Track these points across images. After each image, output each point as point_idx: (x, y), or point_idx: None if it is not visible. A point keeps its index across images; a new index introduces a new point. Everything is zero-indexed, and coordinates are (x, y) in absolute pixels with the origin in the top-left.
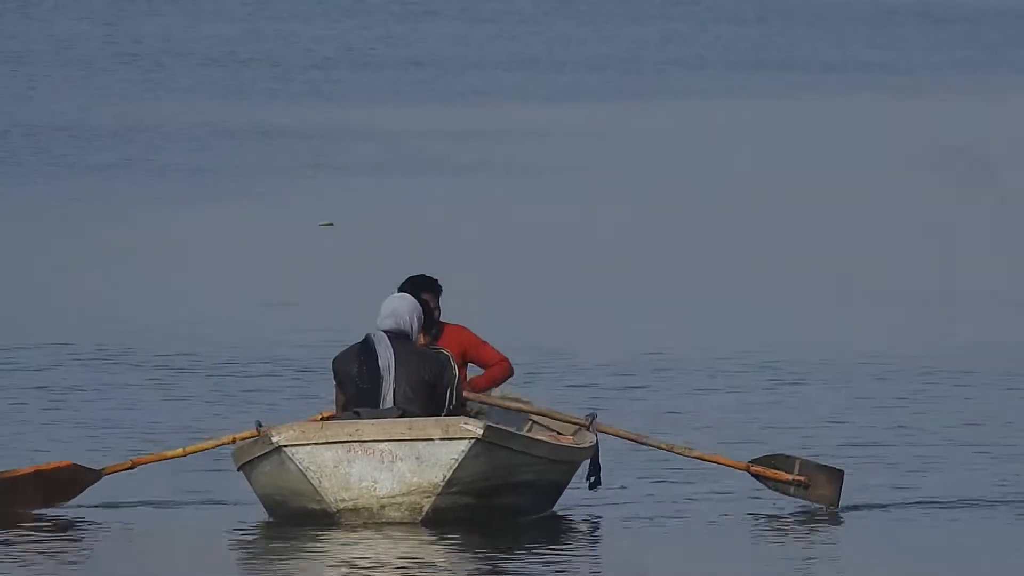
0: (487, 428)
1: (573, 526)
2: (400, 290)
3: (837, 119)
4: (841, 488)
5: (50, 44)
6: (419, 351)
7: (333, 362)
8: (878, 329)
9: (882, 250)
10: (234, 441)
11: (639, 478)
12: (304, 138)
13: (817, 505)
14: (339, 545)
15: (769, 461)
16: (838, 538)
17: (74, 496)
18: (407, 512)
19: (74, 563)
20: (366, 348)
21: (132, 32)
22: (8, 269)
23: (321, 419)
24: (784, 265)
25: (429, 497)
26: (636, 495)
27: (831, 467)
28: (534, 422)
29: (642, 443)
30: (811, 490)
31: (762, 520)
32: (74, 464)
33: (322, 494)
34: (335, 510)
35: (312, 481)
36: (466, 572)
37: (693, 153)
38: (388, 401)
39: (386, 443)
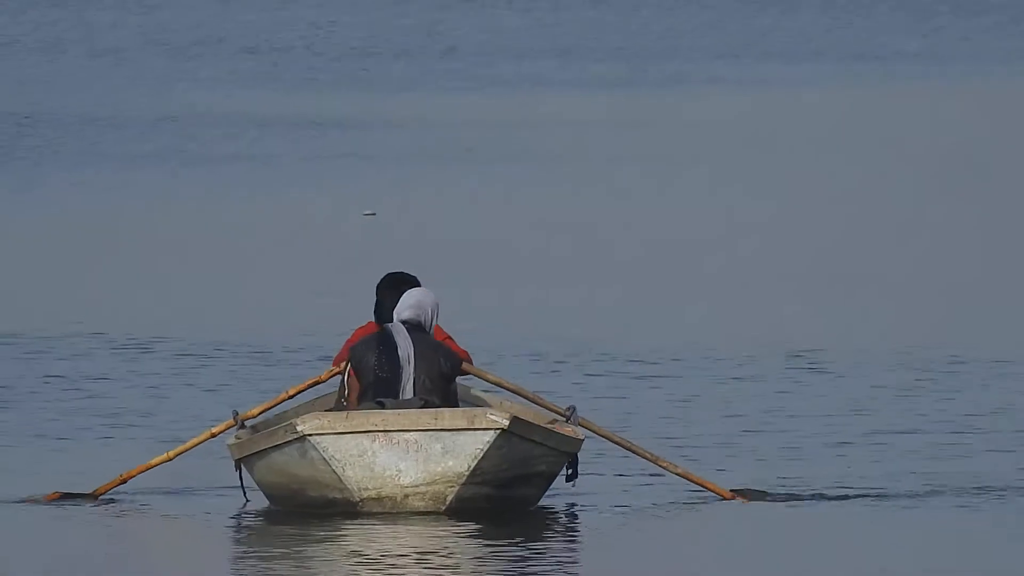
0: (513, 419)
1: (572, 516)
2: (381, 286)
3: (880, 109)
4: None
5: (84, 32)
6: (437, 344)
7: (350, 350)
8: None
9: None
10: (213, 435)
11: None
12: (345, 127)
13: None
14: (349, 535)
15: (749, 493)
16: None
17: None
18: (431, 501)
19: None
20: (385, 338)
21: (166, 20)
22: (44, 257)
23: (287, 396)
24: (819, 258)
25: (453, 487)
26: (629, 483)
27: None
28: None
29: (623, 447)
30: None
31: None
32: (62, 494)
33: (345, 483)
34: (358, 499)
35: (336, 470)
36: (487, 562)
37: (734, 143)
38: (408, 391)
39: (412, 433)
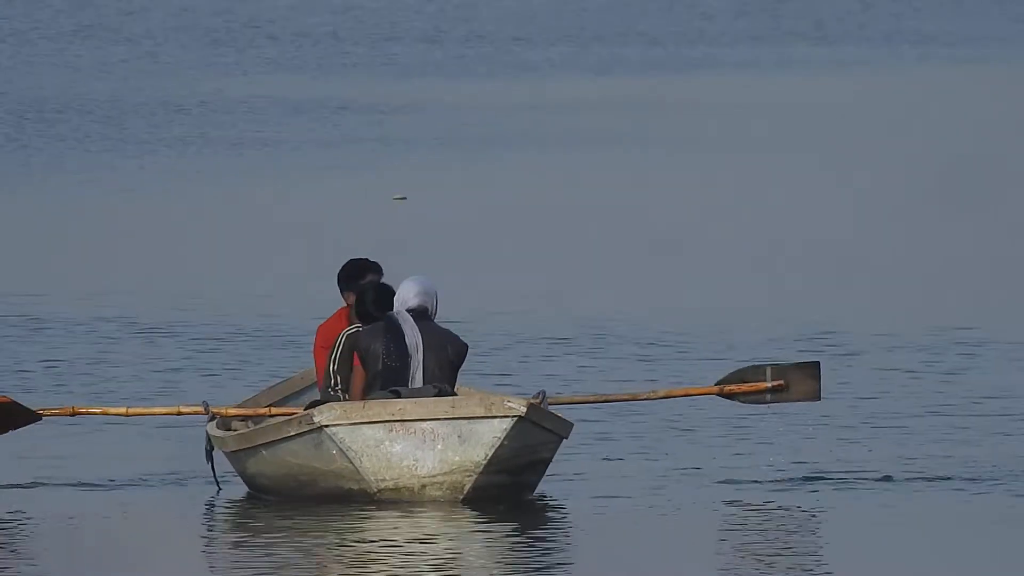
0: (530, 406)
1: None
2: (344, 272)
3: (920, 92)
4: (820, 379)
5: (120, 21)
6: (444, 332)
7: (354, 339)
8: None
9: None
10: (179, 413)
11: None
12: (375, 112)
13: (800, 402)
14: (352, 525)
15: (738, 376)
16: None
17: (3, 431)
18: (448, 491)
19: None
20: (391, 326)
21: (197, 4)
22: (87, 239)
23: (269, 413)
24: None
25: (471, 476)
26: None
27: (804, 362)
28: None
29: (601, 402)
30: (791, 391)
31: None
32: (12, 401)
33: (362, 474)
34: (375, 490)
35: (353, 461)
36: (508, 552)
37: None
38: (418, 380)
39: (429, 422)
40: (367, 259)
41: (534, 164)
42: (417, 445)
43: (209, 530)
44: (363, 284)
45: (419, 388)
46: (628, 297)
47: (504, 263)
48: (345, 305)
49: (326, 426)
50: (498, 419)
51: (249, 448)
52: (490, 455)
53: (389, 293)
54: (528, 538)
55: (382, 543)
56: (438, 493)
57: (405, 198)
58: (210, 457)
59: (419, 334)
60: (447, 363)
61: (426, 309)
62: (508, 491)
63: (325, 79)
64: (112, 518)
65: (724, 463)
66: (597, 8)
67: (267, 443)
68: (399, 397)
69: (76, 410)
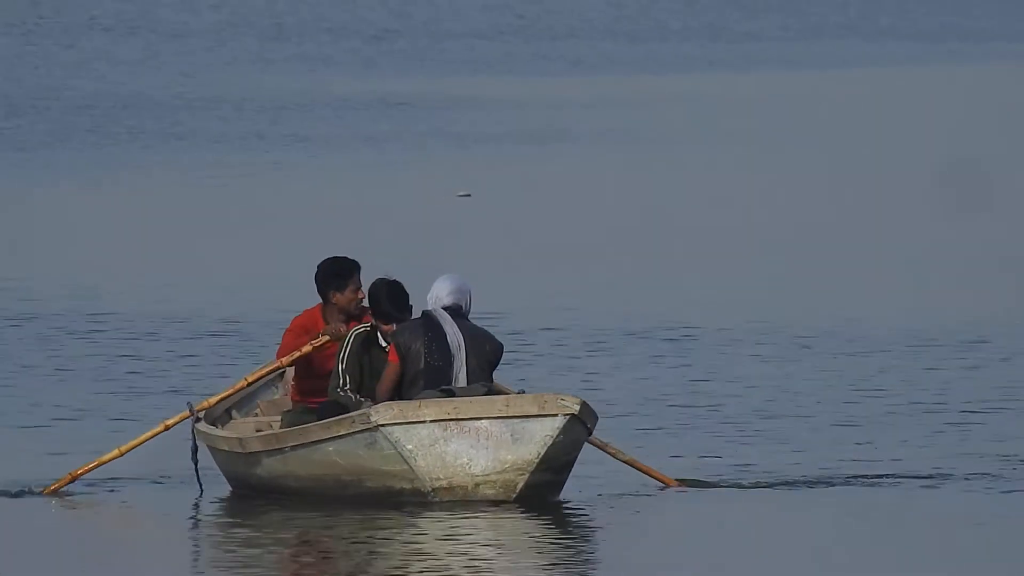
0: (583, 405)
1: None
2: (331, 271)
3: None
4: None
5: (171, 15)
6: (482, 330)
7: (394, 336)
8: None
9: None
10: (167, 428)
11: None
12: (436, 108)
13: None
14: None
15: (697, 484)
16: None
17: None
18: (501, 490)
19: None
20: (431, 325)
21: (258, 2)
22: (140, 236)
23: (245, 384)
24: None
25: (523, 474)
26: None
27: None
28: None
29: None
30: None
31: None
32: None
33: (417, 474)
34: (429, 489)
35: (408, 461)
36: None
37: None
38: (461, 379)
39: (483, 420)
40: (347, 257)
41: (602, 160)
42: (471, 444)
43: (223, 532)
44: (373, 283)
45: (470, 387)
46: (663, 297)
47: (570, 258)
48: (322, 302)
49: (382, 425)
50: (551, 418)
51: (274, 450)
52: (542, 453)
53: (401, 290)
54: (565, 537)
55: (425, 543)
56: (491, 492)
57: (470, 195)
58: (195, 457)
59: (460, 332)
60: (487, 362)
61: (460, 307)
62: (549, 490)
63: (390, 75)
64: (102, 518)
65: (734, 462)
66: (651, 5)
67: (304, 443)
68: (452, 396)
69: (74, 475)
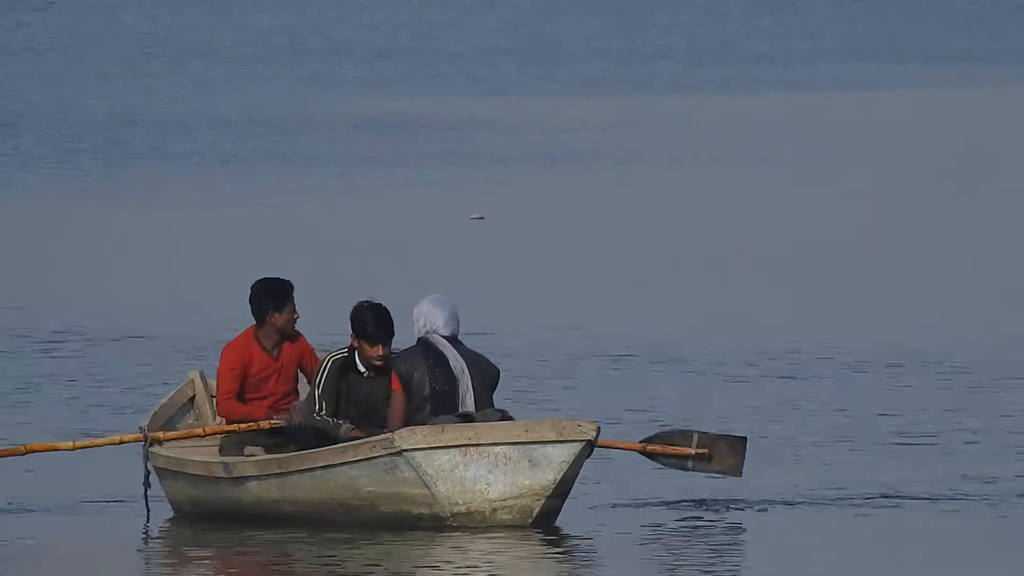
0: (599, 429)
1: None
2: (258, 289)
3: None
4: (745, 455)
5: (198, 36)
6: (479, 354)
7: (394, 365)
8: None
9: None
10: (121, 442)
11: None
12: (450, 129)
13: (719, 475)
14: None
15: (666, 439)
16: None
17: None
18: (518, 515)
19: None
20: (431, 351)
21: (274, 25)
22: (173, 255)
23: (203, 434)
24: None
25: (539, 499)
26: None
27: (732, 435)
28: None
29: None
30: (714, 461)
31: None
32: None
33: (437, 499)
34: (448, 515)
35: (429, 486)
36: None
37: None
38: (468, 403)
39: (502, 446)
40: (280, 278)
41: (617, 182)
42: (489, 469)
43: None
44: (358, 306)
45: (488, 412)
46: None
47: (584, 280)
48: (254, 325)
49: (406, 450)
50: (569, 444)
51: (271, 474)
52: (558, 479)
53: (387, 313)
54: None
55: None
56: (508, 517)
57: (483, 217)
58: (148, 482)
59: (460, 357)
60: (489, 386)
61: (455, 334)
62: (555, 515)
63: (410, 96)
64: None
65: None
66: (666, 26)
67: (312, 468)
68: (471, 420)
69: (28, 448)
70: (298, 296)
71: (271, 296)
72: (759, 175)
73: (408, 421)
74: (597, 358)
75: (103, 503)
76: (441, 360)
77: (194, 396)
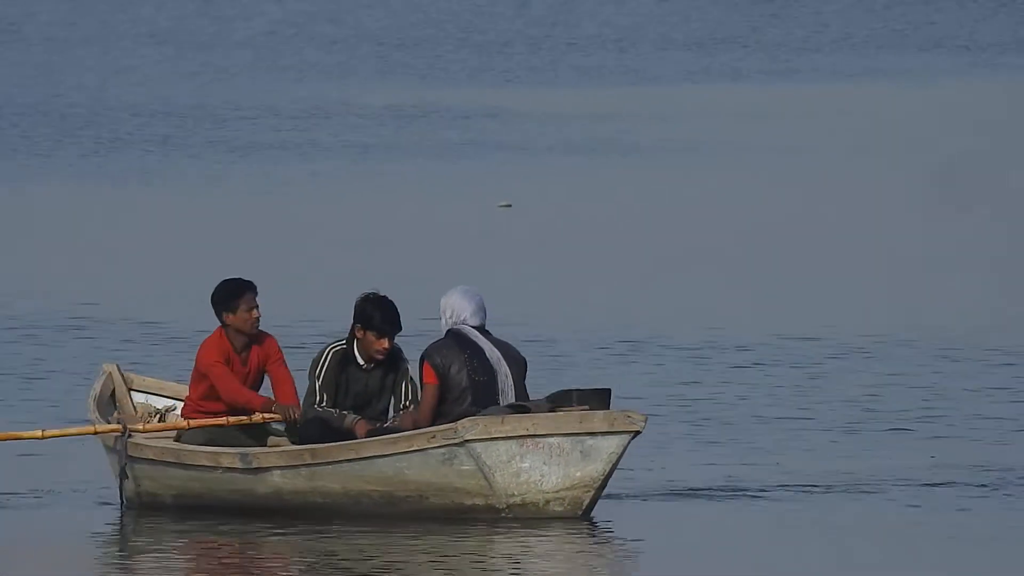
0: (646, 420)
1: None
2: (214, 292)
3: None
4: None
5: (217, 26)
6: (509, 344)
7: (429, 359)
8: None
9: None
10: (95, 432)
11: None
12: (479, 118)
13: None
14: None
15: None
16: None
17: None
18: (569, 506)
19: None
20: (465, 342)
21: (308, 10)
22: (201, 245)
23: (188, 426)
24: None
25: (589, 491)
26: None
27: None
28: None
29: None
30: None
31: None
32: None
33: (495, 490)
34: (504, 506)
35: (487, 477)
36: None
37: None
38: (508, 394)
39: (557, 437)
40: (240, 278)
41: (644, 171)
42: (544, 460)
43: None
44: (365, 297)
45: (537, 402)
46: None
47: (609, 270)
48: (221, 326)
49: (468, 441)
50: (619, 435)
51: (300, 465)
52: (607, 470)
53: (394, 305)
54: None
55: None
56: (560, 508)
57: (511, 205)
58: (125, 475)
59: (495, 348)
60: (522, 375)
61: (484, 324)
62: (594, 505)
63: (435, 85)
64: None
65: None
66: (701, 14)
67: (352, 459)
68: (526, 411)
69: (7, 435)
70: (312, 289)
71: (223, 299)
72: (779, 166)
73: (446, 413)
74: (598, 347)
75: (57, 494)
76: (477, 351)
77: (114, 390)
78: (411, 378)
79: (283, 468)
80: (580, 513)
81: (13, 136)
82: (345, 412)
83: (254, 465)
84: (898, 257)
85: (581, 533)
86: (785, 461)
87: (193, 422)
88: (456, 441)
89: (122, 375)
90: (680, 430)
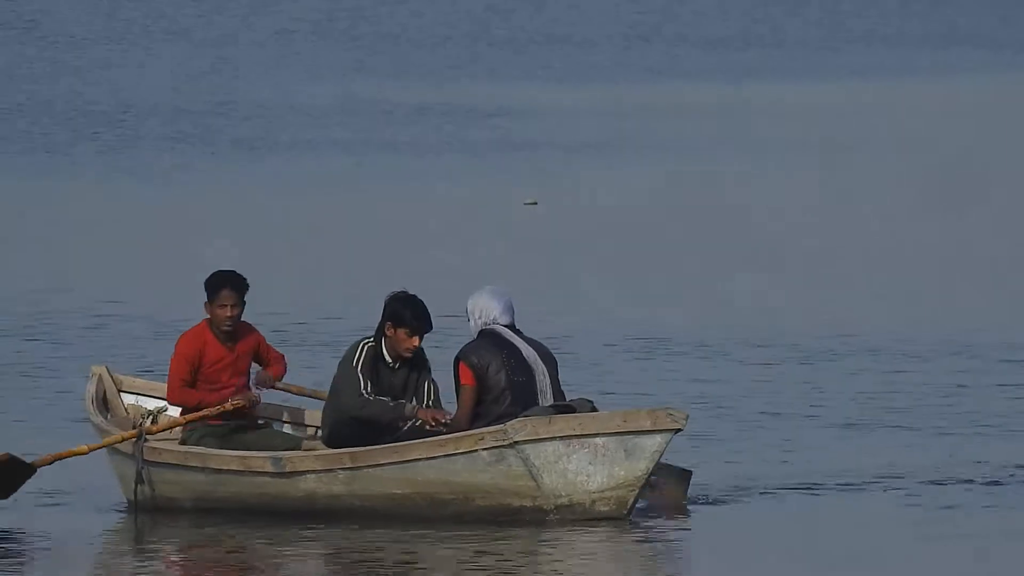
0: (687, 417)
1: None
2: (209, 278)
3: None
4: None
5: (228, 22)
6: (540, 343)
7: (465, 359)
8: None
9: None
10: (124, 439)
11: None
12: (505, 116)
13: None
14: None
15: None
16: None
17: (8, 493)
18: (614, 506)
19: None
20: (502, 342)
21: (329, 8)
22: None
23: (186, 421)
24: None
25: (633, 490)
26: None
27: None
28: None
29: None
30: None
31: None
32: (10, 456)
33: (543, 491)
34: (552, 507)
35: (536, 478)
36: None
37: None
38: (547, 393)
39: (602, 437)
40: (228, 271)
41: (674, 168)
42: (589, 460)
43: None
44: (396, 295)
45: (579, 402)
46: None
47: (635, 267)
48: (207, 317)
49: (518, 442)
50: (661, 433)
51: (347, 468)
52: (649, 468)
53: (424, 305)
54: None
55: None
56: (606, 508)
57: (536, 203)
58: (141, 479)
59: (530, 347)
60: (556, 374)
61: (514, 323)
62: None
63: (463, 83)
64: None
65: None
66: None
67: (397, 462)
68: (571, 411)
69: (58, 455)
70: (334, 286)
71: (206, 286)
72: (805, 163)
73: (486, 414)
74: (611, 346)
75: (61, 495)
76: (514, 351)
77: (105, 392)
78: (433, 379)
79: (318, 472)
80: (625, 512)
81: (15, 132)
82: (402, 401)
83: (287, 469)
84: (917, 256)
85: (624, 532)
86: (822, 458)
87: (186, 416)
88: (506, 443)
89: (112, 376)
90: (711, 428)
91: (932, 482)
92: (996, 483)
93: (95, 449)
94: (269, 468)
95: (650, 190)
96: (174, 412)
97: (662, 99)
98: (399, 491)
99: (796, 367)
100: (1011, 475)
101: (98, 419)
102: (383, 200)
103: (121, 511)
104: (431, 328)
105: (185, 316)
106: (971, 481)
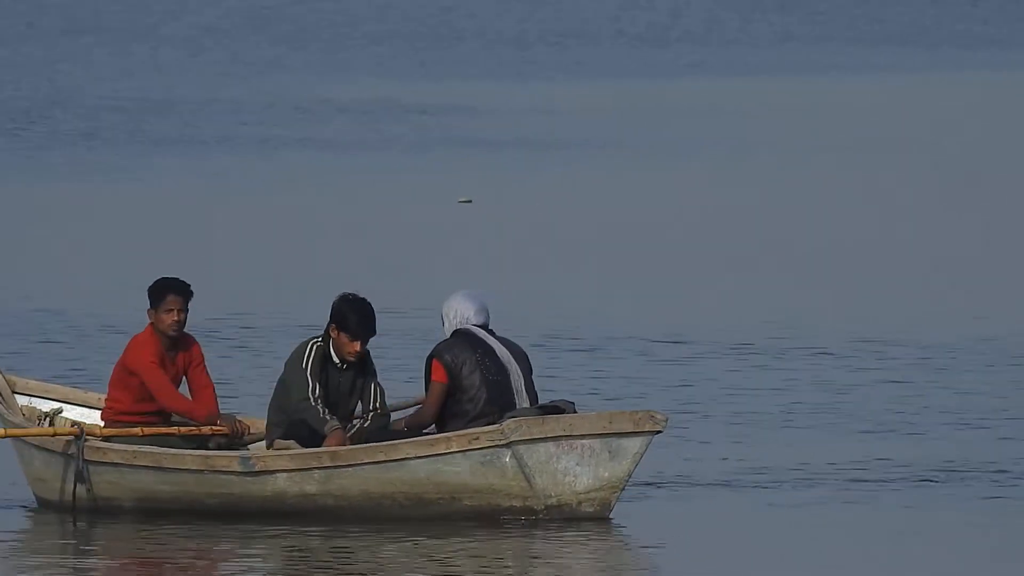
0: (668, 419)
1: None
2: (152, 286)
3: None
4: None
5: (188, 21)
6: (513, 342)
7: (439, 357)
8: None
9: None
10: (54, 435)
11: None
12: (438, 114)
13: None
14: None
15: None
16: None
17: None
18: (598, 507)
19: None
20: (475, 341)
21: (272, 4)
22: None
23: (142, 434)
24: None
25: (616, 492)
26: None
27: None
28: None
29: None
30: None
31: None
32: None
33: (535, 491)
34: (542, 507)
35: (529, 478)
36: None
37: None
38: (523, 394)
39: (589, 438)
40: (172, 278)
41: (607, 168)
42: (577, 461)
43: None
44: (343, 298)
45: (564, 402)
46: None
47: (568, 266)
48: (150, 323)
49: (514, 442)
50: (643, 435)
51: (322, 468)
52: (631, 470)
53: (371, 310)
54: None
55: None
56: (591, 509)
57: (471, 201)
58: (80, 479)
59: (503, 347)
60: (529, 373)
61: (487, 324)
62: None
63: (394, 81)
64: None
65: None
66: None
67: (379, 461)
68: (558, 412)
69: None
70: (279, 285)
71: (150, 293)
72: (760, 163)
73: (461, 413)
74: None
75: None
76: (488, 350)
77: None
78: (379, 382)
79: (290, 471)
80: (607, 513)
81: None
82: (330, 417)
83: (258, 468)
84: (924, 256)
85: (608, 532)
86: (808, 458)
87: (147, 429)
88: (502, 442)
89: (4, 377)
90: (698, 428)
91: (920, 480)
92: (968, 480)
93: (12, 436)
94: (236, 468)
95: (593, 188)
96: (70, 414)
97: (602, 98)
98: (379, 490)
99: (771, 368)
100: (984, 471)
101: (17, 419)
102: (306, 199)
103: (41, 512)
104: (375, 334)
105: (105, 320)
106: (944, 480)
